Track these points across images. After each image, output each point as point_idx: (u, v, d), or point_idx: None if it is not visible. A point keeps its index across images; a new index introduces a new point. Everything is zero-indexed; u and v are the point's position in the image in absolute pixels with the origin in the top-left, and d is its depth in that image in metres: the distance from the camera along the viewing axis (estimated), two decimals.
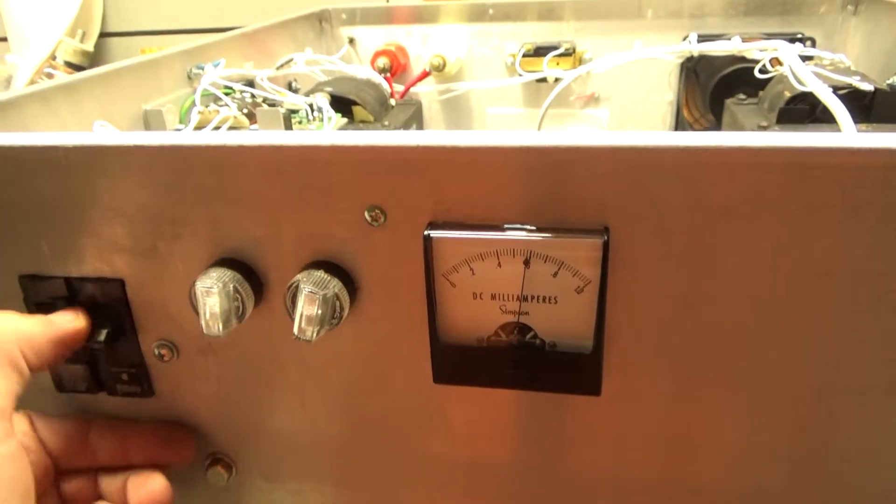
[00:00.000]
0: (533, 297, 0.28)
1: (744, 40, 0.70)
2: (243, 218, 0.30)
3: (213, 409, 0.35)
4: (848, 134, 0.24)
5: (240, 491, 0.38)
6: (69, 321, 0.32)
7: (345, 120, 0.67)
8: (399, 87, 0.87)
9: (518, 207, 0.27)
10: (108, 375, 0.34)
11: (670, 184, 0.26)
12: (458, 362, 0.30)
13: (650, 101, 0.84)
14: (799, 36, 0.77)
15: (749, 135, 0.24)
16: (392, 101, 0.79)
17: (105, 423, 0.34)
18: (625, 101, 0.85)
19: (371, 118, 0.71)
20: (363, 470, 0.36)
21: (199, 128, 0.54)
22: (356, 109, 0.72)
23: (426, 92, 0.88)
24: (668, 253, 0.27)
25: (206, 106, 0.56)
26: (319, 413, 0.34)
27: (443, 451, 0.34)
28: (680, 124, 0.83)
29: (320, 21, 0.91)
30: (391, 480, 0.36)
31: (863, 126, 0.56)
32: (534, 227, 0.27)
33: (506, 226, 0.27)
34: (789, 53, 0.61)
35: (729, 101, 0.69)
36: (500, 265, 0.28)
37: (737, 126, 0.63)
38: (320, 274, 0.29)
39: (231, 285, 0.29)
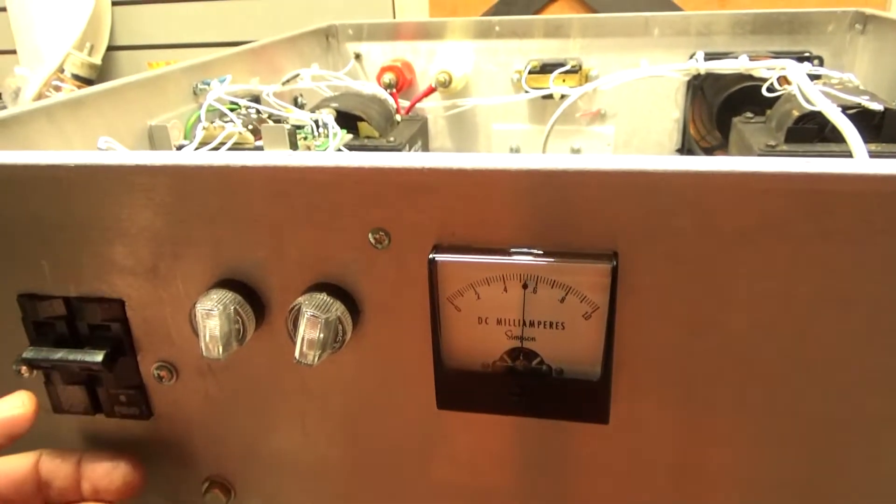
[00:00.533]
0: (539, 323, 0.28)
1: (751, 58, 0.70)
2: (246, 239, 0.29)
3: (212, 432, 0.35)
4: (862, 160, 0.24)
5: None
6: (13, 407, 0.31)
7: (350, 136, 0.66)
8: (405, 103, 0.87)
9: (524, 231, 0.27)
10: (106, 397, 0.34)
11: (681, 209, 0.25)
12: (462, 388, 0.29)
13: (656, 118, 0.84)
14: (807, 55, 0.77)
15: (762, 160, 0.24)
16: (398, 117, 0.79)
17: (53, 456, 0.33)
18: (631, 117, 0.85)
19: (376, 134, 0.71)
20: (365, 495, 0.35)
21: (203, 143, 0.54)
22: (361, 125, 0.72)
23: (432, 107, 0.88)
24: (678, 279, 0.26)
25: (212, 122, 0.56)
26: (320, 437, 0.33)
27: (446, 478, 0.33)
28: (687, 142, 0.83)
29: (327, 37, 0.91)
30: None
31: (872, 146, 0.56)
32: (541, 252, 0.27)
33: (512, 249, 0.27)
34: (797, 72, 0.60)
35: (736, 120, 0.68)
36: (505, 290, 0.27)
37: (744, 145, 0.63)
38: (323, 297, 0.28)
39: (232, 307, 0.29)
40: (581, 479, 0.32)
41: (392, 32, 0.90)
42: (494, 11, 1.50)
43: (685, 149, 0.83)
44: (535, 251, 0.27)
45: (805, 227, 0.25)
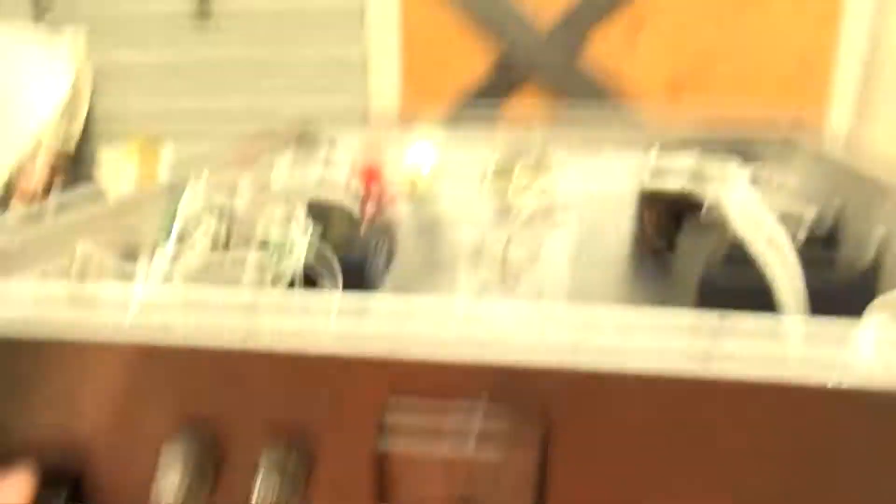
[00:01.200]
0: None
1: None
2: (215, 399, 0.32)
3: None
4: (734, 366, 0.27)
5: None
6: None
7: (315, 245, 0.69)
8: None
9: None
10: None
11: (590, 403, 0.28)
12: None
13: (611, 224, 0.89)
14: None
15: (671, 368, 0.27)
16: (363, 227, 0.82)
17: None
18: (590, 218, 0.89)
19: (342, 243, 0.74)
20: None
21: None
22: (329, 234, 0.75)
23: (398, 212, 0.93)
24: (601, 461, 0.29)
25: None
26: None
27: None
28: (643, 243, 0.87)
29: (299, 137, 0.96)
30: None
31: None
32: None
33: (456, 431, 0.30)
34: (732, 204, 0.65)
35: (681, 235, 0.73)
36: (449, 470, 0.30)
37: (687, 262, 0.67)
38: (281, 454, 0.31)
39: (192, 462, 0.31)
40: None
41: (364, 133, 0.94)
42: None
43: (639, 251, 0.88)
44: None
45: (699, 421, 0.28)
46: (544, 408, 0.29)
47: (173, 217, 0.59)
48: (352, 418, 0.31)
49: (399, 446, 0.30)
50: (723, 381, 0.27)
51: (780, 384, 0.26)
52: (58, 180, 1.36)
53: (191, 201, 0.62)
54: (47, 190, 1.37)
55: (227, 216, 0.65)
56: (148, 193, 0.63)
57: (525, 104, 1.57)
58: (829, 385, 0.26)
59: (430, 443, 0.30)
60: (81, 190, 0.62)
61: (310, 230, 0.68)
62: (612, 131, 0.87)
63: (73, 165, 1.49)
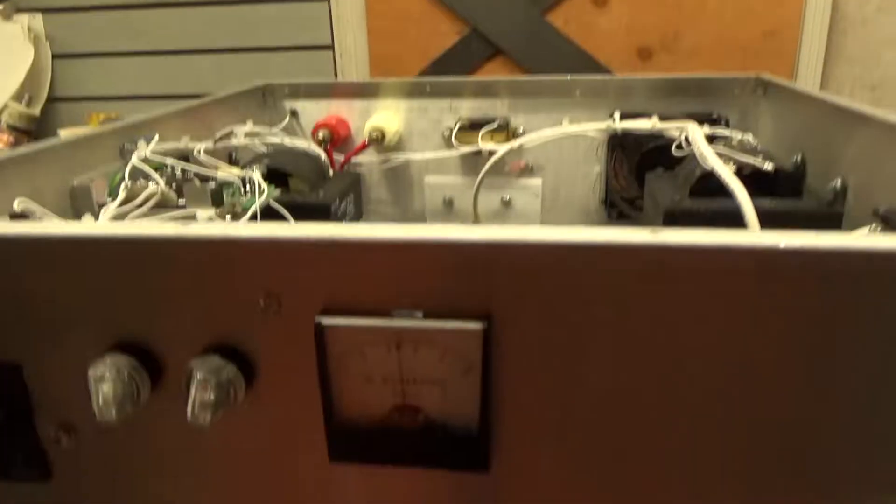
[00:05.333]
0: (421, 381, 0.29)
1: (661, 119, 0.75)
2: (139, 305, 0.30)
3: (113, 494, 0.35)
4: (695, 234, 0.26)
5: None
6: None
7: (278, 191, 0.68)
8: (340, 157, 0.89)
9: (407, 295, 0.29)
10: (1, 458, 0.34)
11: (542, 276, 0.28)
12: (352, 442, 0.31)
13: (580, 171, 0.88)
14: (714, 116, 0.83)
15: (607, 231, 0.27)
16: (330, 172, 0.81)
17: None
18: (557, 171, 0.89)
19: (307, 189, 0.73)
20: None
21: (126, 202, 0.55)
22: (293, 181, 0.73)
23: (367, 162, 0.91)
24: (547, 338, 0.29)
25: (135, 181, 0.57)
26: (224, 497, 0.34)
27: None
28: (609, 192, 0.87)
29: (263, 95, 0.94)
30: None
31: (766, 201, 0.60)
32: (420, 314, 0.28)
33: (394, 313, 0.29)
34: (696, 134, 0.65)
35: (648, 175, 0.73)
36: (389, 350, 0.29)
37: (654, 200, 0.67)
38: (215, 360, 0.29)
39: (126, 371, 0.30)
40: None
41: (328, 91, 0.92)
42: (431, 73, 1.55)
43: (608, 200, 0.87)
44: (416, 313, 0.28)
45: (650, 295, 0.27)
46: (488, 288, 0.28)
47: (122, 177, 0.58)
48: (290, 320, 0.30)
49: (337, 347, 0.29)
50: (674, 247, 0.26)
51: (732, 247, 0.26)
52: None
53: (141, 155, 0.60)
54: None
55: (181, 170, 0.63)
56: (97, 134, 0.61)
57: (492, 73, 1.55)
58: (782, 245, 0.25)
59: (369, 344, 0.29)
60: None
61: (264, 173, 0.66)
62: (578, 98, 0.87)
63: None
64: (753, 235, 0.26)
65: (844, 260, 0.25)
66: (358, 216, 0.85)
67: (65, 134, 1.33)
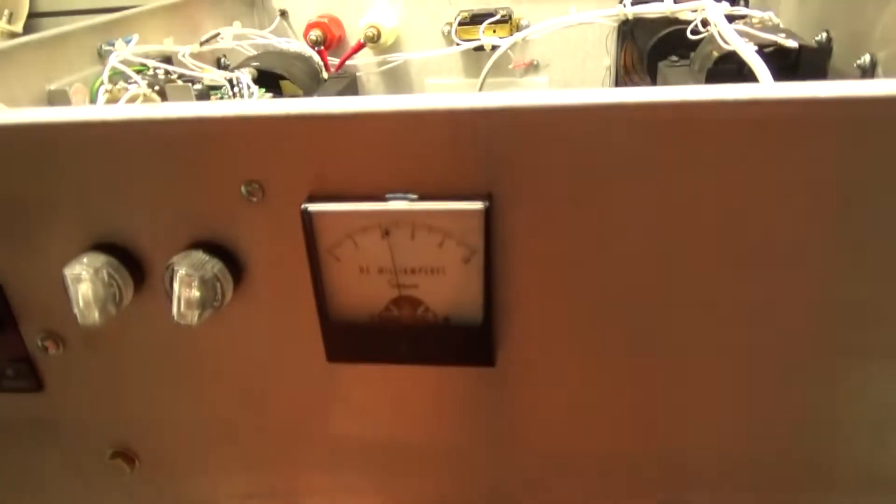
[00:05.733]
0: (420, 270, 0.27)
1: (675, 1, 0.69)
2: (115, 198, 0.28)
3: (107, 402, 0.34)
4: (721, 87, 0.23)
5: (147, 482, 0.36)
6: None
7: (270, 94, 0.64)
8: (335, 60, 0.84)
9: (399, 176, 0.26)
10: None
11: (551, 145, 0.25)
12: (350, 340, 0.29)
13: (589, 66, 0.83)
14: None
15: (624, 91, 0.24)
16: (325, 75, 0.77)
17: None
18: (564, 66, 0.84)
19: (300, 92, 0.69)
20: (272, 454, 0.35)
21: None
22: (285, 84, 0.69)
23: (364, 64, 0.86)
24: (555, 217, 0.26)
25: (115, 84, 0.54)
26: (216, 399, 0.33)
27: (347, 431, 0.33)
28: (620, 86, 0.82)
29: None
30: (302, 463, 0.35)
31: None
32: (415, 196, 0.26)
33: (388, 196, 0.26)
34: (716, 13, 0.60)
35: (662, 64, 0.68)
36: (383, 237, 0.27)
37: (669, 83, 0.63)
38: (198, 255, 0.27)
39: (105, 271, 0.28)
40: (479, 422, 0.32)
41: None
42: None
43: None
44: (411, 196, 0.26)
45: (672, 157, 0.24)
46: (488, 162, 0.25)
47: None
48: (276, 209, 0.27)
49: (327, 237, 0.26)
50: (697, 102, 0.23)
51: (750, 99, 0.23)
52: None
53: (120, 57, 0.56)
54: None
55: (164, 72, 0.59)
56: (72, 31, 0.57)
57: None
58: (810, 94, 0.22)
59: (360, 231, 0.26)
60: None
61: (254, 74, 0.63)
62: None
63: None
64: (780, 87, 0.23)
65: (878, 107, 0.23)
66: None
67: None
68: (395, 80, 0.88)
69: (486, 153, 0.25)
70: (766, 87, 0.23)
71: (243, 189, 0.27)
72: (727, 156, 0.24)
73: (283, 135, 0.26)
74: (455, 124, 0.25)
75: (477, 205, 0.25)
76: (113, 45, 0.59)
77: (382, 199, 0.26)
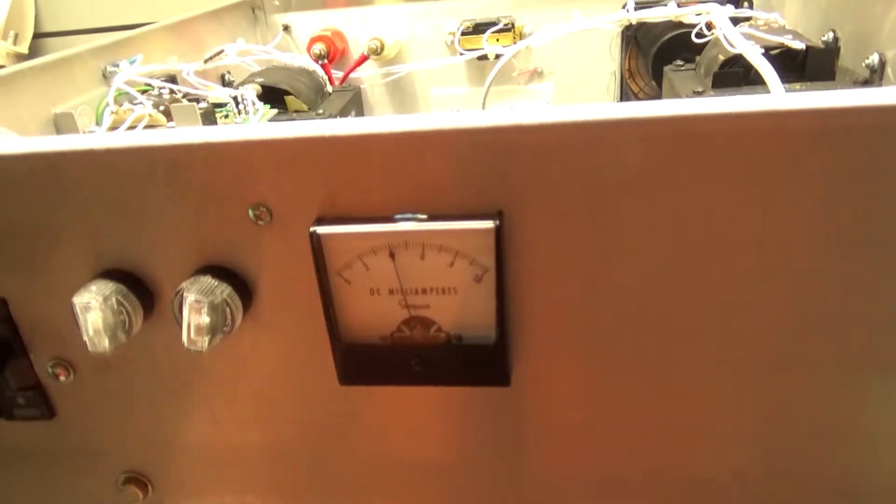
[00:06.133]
0: (431, 290, 0.27)
1: (679, 5, 0.69)
2: (122, 225, 0.28)
3: (120, 428, 0.34)
4: (734, 98, 0.23)
5: None
6: None
7: (274, 111, 0.64)
8: (339, 73, 0.84)
9: (410, 196, 0.26)
10: (3, 400, 0.32)
11: (562, 162, 0.24)
12: (362, 362, 0.29)
13: (593, 72, 0.83)
14: None
15: (636, 105, 0.23)
16: (329, 89, 0.76)
17: None
18: (568, 73, 0.84)
19: (305, 107, 0.69)
20: (286, 477, 0.34)
21: (113, 128, 0.52)
22: (289, 99, 0.69)
23: (368, 76, 0.86)
24: (567, 234, 0.26)
25: (121, 105, 0.54)
26: (230, 423, 0.33)
27: (363, 452, 0.33)
28: (624, 94, 0.82)
29: (253, 9, 0.88)
30: (317, 486, 0.34)
31: (796, 85, 0.55)
32: (425, 216, 0.26)
33: (396, 217, 0.26)
34: (721, 16, 0.60)
35: (667, 69, 0.68)
36: (393, 258, 0.26)
37: (674, 93, 0.62)
38: (207, 280, 0.27)
39: (114, 298, 0.28)
40: (499, 442, 0.31)
41: (320, 1, 0.87)
42: None
43: (623, 101, 0.82)
44: (420, 216, 0.26)
45: (685, 171, 0.24)
46: (498, 180, 0.25)
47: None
48: (283, 232, 0.27)
49: (337, 259, 0.26)
50: (711, 115, 0.22)
51: (767, 112, 0.22)
52: None
53: (125, 77, 0.56)
54: None
55: (169, 91, 0.59)
56: (77, 54, 0.57)
57: None
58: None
59: (370, 253, 0.26)
60: None
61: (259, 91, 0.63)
62: None
63: None
64: (795, 97, 0.23)
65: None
66: None
67: None
68: (400, 91, 0.88)
69: (495, 171, 0.25)
70: (781, 97, 0.23)
71: (251, 212, 0.27)
72: (742, 168, 0.23)
73: (290, 158, 0.26)
74: (463, 143, 0.24)
75: (488, 223, 0.25)
76: (117, 66, 0.60)
77: (391, 219, 0.26)
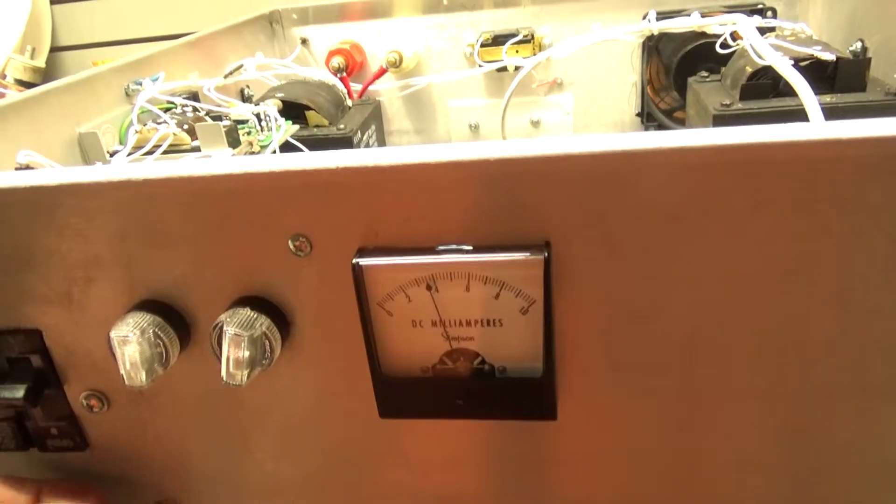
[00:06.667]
0: (476, 322, 0.26)
1: (703, 14, 0.68)
2: (160, 256, 0.28)
3: (154, 459, 0.33)
4: (790, 127, 0.22)
5: None
6: None
7: (296, 127, 0.64)
8: (357, 86, 0.84)
9: (453, 226, 0.25)
10: (36, 430, 0.32)
11: (611, 191, 0.24)
12: (403, 395, 0.28)
13: (614, 82, 0.82)
14: (759, 6, 0.75)
15: (687, 133, 0.22)
16: (349, 102, 0.76)
17: (8, 486, 0.31)
18: (588, 84, 0.83)
19: (326, 122, 0.69)
20: None
21: (137, 148, 0.51)
22: (310, 114, 0.69)
23: (386, 89, 0.86)
24: (616, 264, 0.25)
25: (145, 124, 0.53)
26: (266, 454, 0.32)
27: (401, 484, 0.32)
28: (645, 105, 0.81)
29: (271, 23, 0.88)
30: None
31: (827, 97, 0.54)
32: (470, 247, 0.25)
33: (440, 248, 0.25)
34: (748, 26, 0.59)
35: (692, 80, 0.67)
36: (437, 290, 0.26)
37: (700, 105, 0.61)
38: (246, 312, 0.27)
39: (151, 331, 0.27)
40: (540, 475, 0.31)
41: (338, 14, 0.87)
42: None
43: (644, 112, 0.81)
44: (464, 247, 0.25)
45: (739, 201, 0.23)
46: (545, 211, 0.24)
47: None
48: (324, 263, 0.26)
49: (379, 291, 0.25)
50: (768, 144, 0.22)
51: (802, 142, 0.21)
52: None
53: (148, 96, 0.56)
54: None
55: (192, 109, 0.58)
56: (99, 74, 0.57)
57: None
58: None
59: (413, 285, 0.25)
60: None
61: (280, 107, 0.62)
62: (604, 1, 0.80)
63: None
64: (859, 124, 0.22)
65: None
66: (378, 144, 0.81)
67: None
68: (418, 102, 0.88)
69: (542, 201, 0.24)
70: (840, 126, 0.22)
71: (290, 243, 0.26)
72: (798, 198, 0.23)
73: (330, 188, 0.25)
74: (509, 173, 0.24)
75: (536, 255, 0.24)
76: (140, 84, 0.59)
77: (434, 250, 0.25)
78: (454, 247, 0.25)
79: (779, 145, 0.22)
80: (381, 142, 0.82)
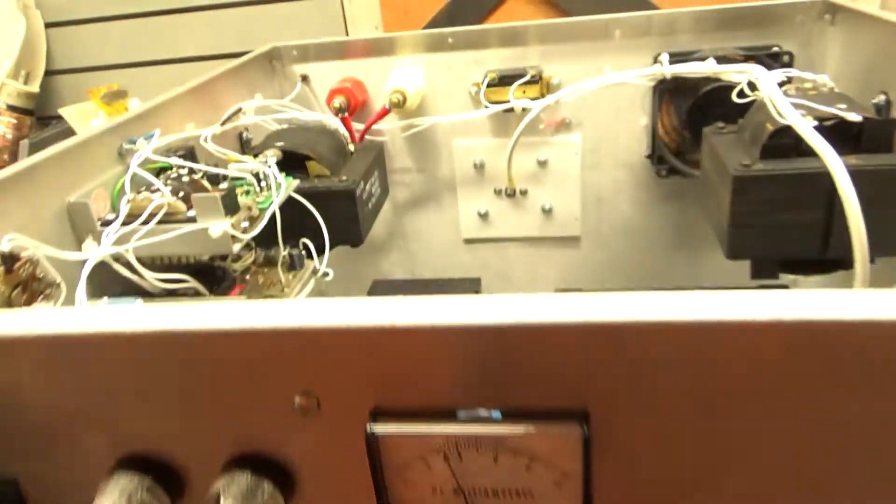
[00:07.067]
0: (504, 492, 0.23)
1: (718, 59, 0.66)
2: (152, 412, 0.25)
3: None
4: (871, 300, 0.20)
5: None
6: None
7: (297, 182, 0.62)
8: (359, 126, 0.81)
9: (476, 389, 0.23)
10: None
11: (653, 364, 0.21)
12: None
13: (624, 124, 0.80)
14: (775, 50, 0.73)
15: (753, 299, 0.20)
16: (351, 147, 0.74)
17: None
18: (597, 125, 0.80)
19: (327, 172, 0.66)
20: None
21: (130, 218, 0.49)
22: (310, 164, 0.67)
23: (389, 128, 0.83)
24: (662, 436, 0.22)
25: (138, 192, 0.51)
26: None
27: None
28: (657, 147, 0.79)
29: (271, 60, 0.85)
30: None
31: (852, 159, 0.52)
32: (497, 415, 0.22)
33: (463, 413, 0.23)
34: (767, 82, 0.56)
35: (707, 131, 0.64)
36: (461, 459, 0.23)
37: (717, 160, 0.59)
38: (245, 480, 0.24)
39: (138, 494, 0.24)
40: None
41: (340, 51, 0.84)
42: (447, 12, 1.43)
43: (655, 155, 0.79)
44: (491, 415, 0.22)
45: (810, 379, 0.21)
46: (583, 378, 0.22)
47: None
48: (333, 422, 0.24)
49: (396, 459, 0.23)
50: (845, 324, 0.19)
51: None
52: (24, 142, 1.26)
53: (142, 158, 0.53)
54: (14, 154, 1.28)
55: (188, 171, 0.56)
56: (93, 137, 0.54)
57: (514, 11, 1.42)
58: None
59: (434, 452, 0.23)
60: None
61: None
62: (617, 40, 0.77)
63: (38, 125, 1.39)
64: None
65: None
66: (384, 194, 0.78)
67: (67, 114, 1.26)
68: (422, 142, 0.85)
69: (578, 364, 0.22)
70: None
71: (296, 401, 0.24)
72: (878, 379, 0.20)
73: (340, 346, 0.22)
74: (547, 342, 0.21)
75: (574, 427, 0.22)
76: (134, 142, 0.57)
77: (457, 418, 0.23)
78: (478, 414, 0.22)
79: (857, 325, 0.19)
80: (384, 187, 0.79)
